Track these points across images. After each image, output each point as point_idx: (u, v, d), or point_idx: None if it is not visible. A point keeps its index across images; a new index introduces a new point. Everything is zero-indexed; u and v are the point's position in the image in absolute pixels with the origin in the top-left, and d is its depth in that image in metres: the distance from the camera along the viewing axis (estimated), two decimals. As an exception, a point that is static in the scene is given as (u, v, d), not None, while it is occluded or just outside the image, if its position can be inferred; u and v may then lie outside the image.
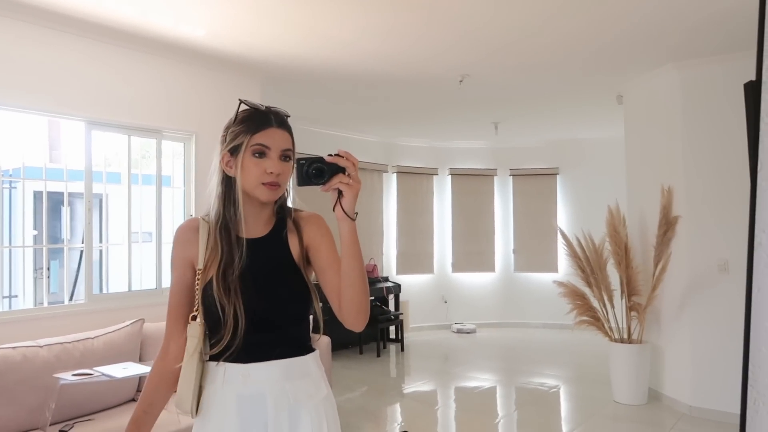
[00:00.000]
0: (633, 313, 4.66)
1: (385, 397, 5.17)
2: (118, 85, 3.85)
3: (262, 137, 1.34)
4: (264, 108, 1.40)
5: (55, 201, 5.04)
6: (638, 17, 3.66)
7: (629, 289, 4.62)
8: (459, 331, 8.14)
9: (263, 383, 1.35)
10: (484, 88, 5.37)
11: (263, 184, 1.34)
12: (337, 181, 1.26)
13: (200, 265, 1.38)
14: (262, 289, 1.37)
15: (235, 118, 1.38)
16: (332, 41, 4.00)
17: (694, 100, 4.45)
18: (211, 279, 1.35)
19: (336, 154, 1.26)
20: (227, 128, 1.39)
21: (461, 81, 5.00)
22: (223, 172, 1.39)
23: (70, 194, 3.97)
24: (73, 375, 2.80)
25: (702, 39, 4.01)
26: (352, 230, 1.28)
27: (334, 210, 1.27)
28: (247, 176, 1.35)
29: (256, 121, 1.36)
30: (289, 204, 1.51)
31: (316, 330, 1.50)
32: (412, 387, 5.54)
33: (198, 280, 1.38)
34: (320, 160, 1.26)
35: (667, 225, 4.43)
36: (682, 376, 4.44)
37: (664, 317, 4.64)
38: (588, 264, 4.78)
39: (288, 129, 1.40)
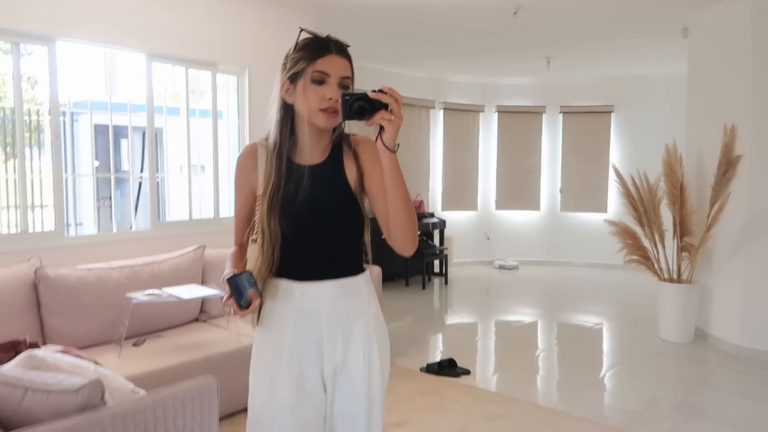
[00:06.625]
0: (684, 254, 4.60)
1: (429, 326, 5.34)
2: (174, 17, 3.89)
3: (322, 64, 1.37)
4: (324, 36, 1.42)
5: (114, 133, 5.20)
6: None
7: (682, 229, 4.53)
8: (501, 267, 8.21)
9: (318, 300, 1.44)
10: (538, 21, 5.16)
11: (321, 110, 1.37)
12: (380, 117, 1.25)
13: (260, 191, 1.44)
14: (317, 213, 1.43)
15: (296, 45, 1.41)
16: (386, -30, 3.89)
17: (766, 34, 4.18)
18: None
19: (380, 90, 1.26)
20: (287, 56, 1.42)
21: (515, 13, 4.82)
22: (283, 99, 1.43)
23: (125, 127, 4.10)
24: (145, 295, 2.99)
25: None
26: (392, 161, 1.30)
27: (375, 141, 1.30)
28: (307, 103, 1.38)
29: (316, 48, 1.39)
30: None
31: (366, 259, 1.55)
32: (454, 319, 5.69)
33: (258, 204, 1.45)
34: (364, 97, 1.25)
35: (728, 164, 4.28)
36: (731, 316, 4.41)
37: (716, 258, 4.57)
38: (641, 203, 4.69)
39: (348, 57, 1.42)
